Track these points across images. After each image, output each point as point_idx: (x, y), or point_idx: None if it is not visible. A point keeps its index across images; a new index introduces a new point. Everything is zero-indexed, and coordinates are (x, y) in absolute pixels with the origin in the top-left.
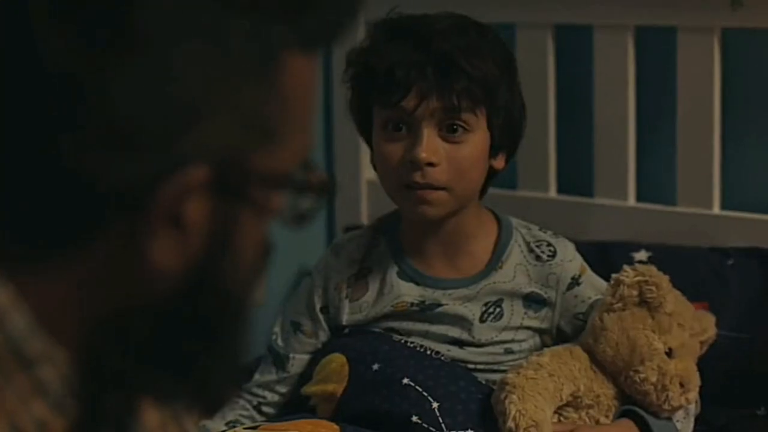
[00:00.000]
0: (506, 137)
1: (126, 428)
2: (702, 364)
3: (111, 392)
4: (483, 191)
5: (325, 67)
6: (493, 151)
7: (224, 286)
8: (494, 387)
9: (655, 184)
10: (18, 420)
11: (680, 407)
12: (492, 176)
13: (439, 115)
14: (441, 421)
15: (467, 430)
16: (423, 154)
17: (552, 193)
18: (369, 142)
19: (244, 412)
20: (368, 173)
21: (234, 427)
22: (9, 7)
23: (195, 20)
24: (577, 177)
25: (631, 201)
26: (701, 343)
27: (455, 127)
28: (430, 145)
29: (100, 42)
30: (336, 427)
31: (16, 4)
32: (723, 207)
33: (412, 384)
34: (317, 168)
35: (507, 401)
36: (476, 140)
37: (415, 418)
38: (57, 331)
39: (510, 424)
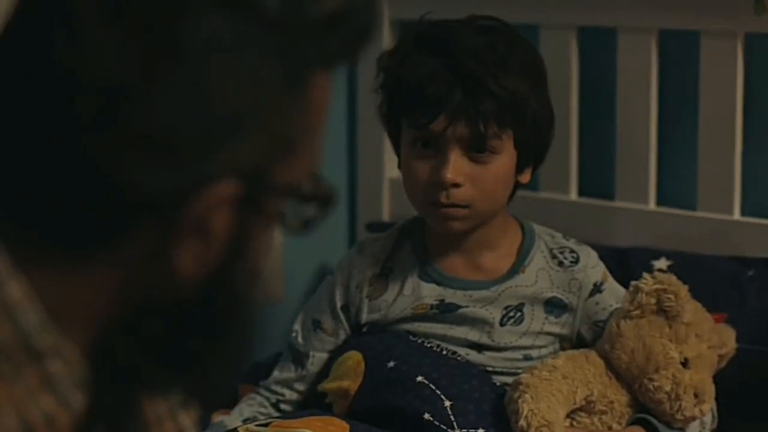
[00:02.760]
0: (533, 153)
1: (126, 422)
2: (719, 376)
3: (115, 387)
4: (509, 199)
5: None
6: (520, 167)
7: (236, 291)
8: (508, 389)
9: (676, 188)
10: (26, 412)
11: (693, 418)
12: (517, 188)
13: (467, 139)
14: (453, 419)
15: (478, 429)
16: (449, 176)
17: (573, 195)
18: (396, 147)
19: (262, 409)
20: (391, 171)
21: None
22: (55, 8)
23: (235, 35)
24: (598, 180)
25: (652, 205)
26: (720, 357)
27: (482, 149)
28: (456, 166)
29: (146, 49)
30: (346, 425)
31: (60, 6)
32: (743, 213)
33: (426, 382)
34: (322, 179)
35: (520, 400)
36: (503, 160)
37: (427, 416)
38: (68, 326)
39: (522, 422)
